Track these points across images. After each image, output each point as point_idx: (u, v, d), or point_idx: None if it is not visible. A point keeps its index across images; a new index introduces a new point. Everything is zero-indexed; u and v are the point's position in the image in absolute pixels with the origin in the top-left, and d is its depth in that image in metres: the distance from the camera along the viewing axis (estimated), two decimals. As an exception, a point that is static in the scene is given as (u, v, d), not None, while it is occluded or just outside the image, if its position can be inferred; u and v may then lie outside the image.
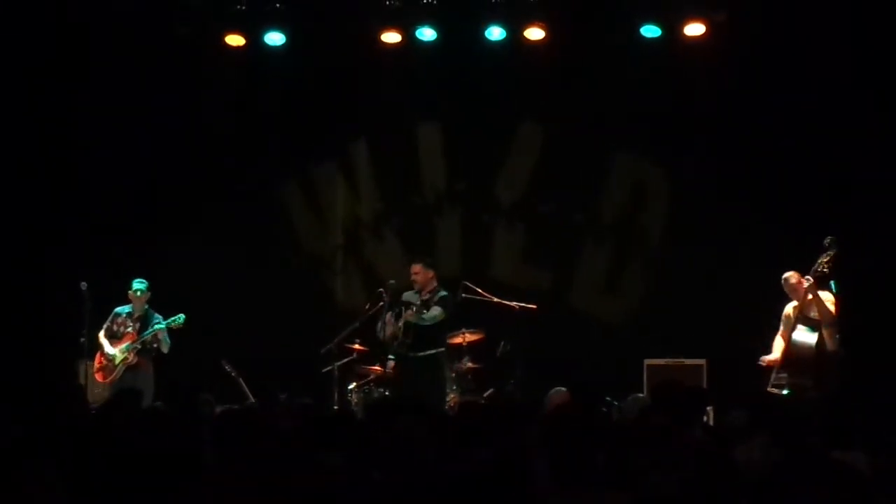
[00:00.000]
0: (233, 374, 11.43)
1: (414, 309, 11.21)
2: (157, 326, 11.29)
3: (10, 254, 12.34)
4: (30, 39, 12.22)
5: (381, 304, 11.27)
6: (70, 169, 12.71)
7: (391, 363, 11.35)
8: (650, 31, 12.10)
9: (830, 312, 9.89)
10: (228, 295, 12.40)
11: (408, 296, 11.42)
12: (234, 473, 5.03)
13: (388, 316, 11.27)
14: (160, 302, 11.52)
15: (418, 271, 11.37)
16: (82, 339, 11.19)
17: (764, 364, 10.10)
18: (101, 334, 11.42)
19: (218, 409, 7.23)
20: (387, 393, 11.18)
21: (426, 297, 11.33)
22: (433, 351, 11.19)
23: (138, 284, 11.45)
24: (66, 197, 12.67)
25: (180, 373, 11.37)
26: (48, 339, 11.87)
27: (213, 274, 12.50)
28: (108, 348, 11.34)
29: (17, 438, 5.26)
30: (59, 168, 12.68)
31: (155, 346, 11.36)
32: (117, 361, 11.25)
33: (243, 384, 11.40)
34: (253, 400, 11.00)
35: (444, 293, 11.31)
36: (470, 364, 11.47)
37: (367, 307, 11.53)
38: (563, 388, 8.22)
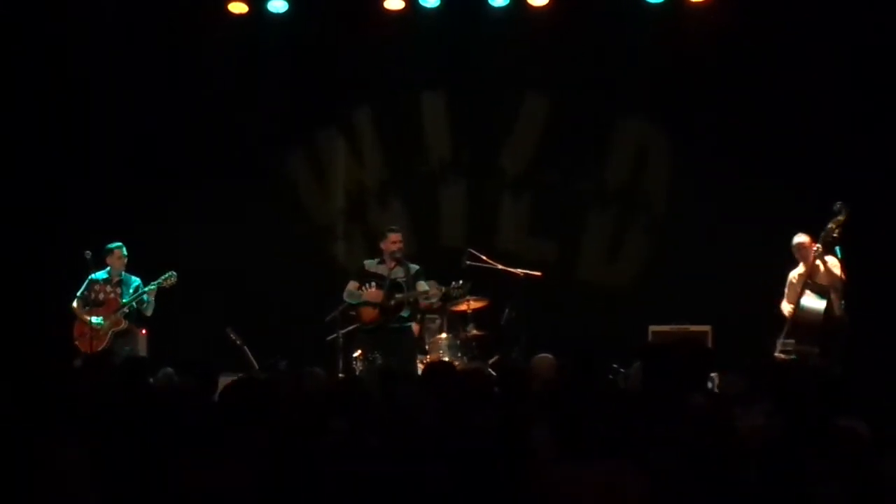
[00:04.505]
0: (237, 342, 11.40)
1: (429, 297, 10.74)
2: (150, 286, 10.97)
3: (12, 224, 12.37)
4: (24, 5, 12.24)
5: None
6: (73, 137, 12.67)
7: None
8: (654, -6, 12.06)
9: (839, 278, 9.88)
10: (232, 262, 12.38)
11: (371, 265, 10.97)
12: (245, 443, 5.02)
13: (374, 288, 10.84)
14: (164, 269, 11.41)
15: (401, 240, 10.91)
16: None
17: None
18: (76, 305, 11.02)
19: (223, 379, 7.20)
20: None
21: (394, 267, 10.81)
22: (408, 322, 10.96)
23: (118, 245, 11.13)
24: (69, 166, 12.63)
25: (185, 342, 11.38)
26: (56, 311, 11.78)
27: (216, 241, 12.47)
28: (89, 317, 10.90)
29: (35, 409, 5.25)
30: (62, 136, 12.66)
31: (138, 307, 11.05)
32: (105, 329, 10.90)
33: (248, 352, 11.37)
34: (258, 368, 10.99)
35: (416, 267, 10.90)
36: (474, 331, 11.45)
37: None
38: (549, 355, 8.11)
